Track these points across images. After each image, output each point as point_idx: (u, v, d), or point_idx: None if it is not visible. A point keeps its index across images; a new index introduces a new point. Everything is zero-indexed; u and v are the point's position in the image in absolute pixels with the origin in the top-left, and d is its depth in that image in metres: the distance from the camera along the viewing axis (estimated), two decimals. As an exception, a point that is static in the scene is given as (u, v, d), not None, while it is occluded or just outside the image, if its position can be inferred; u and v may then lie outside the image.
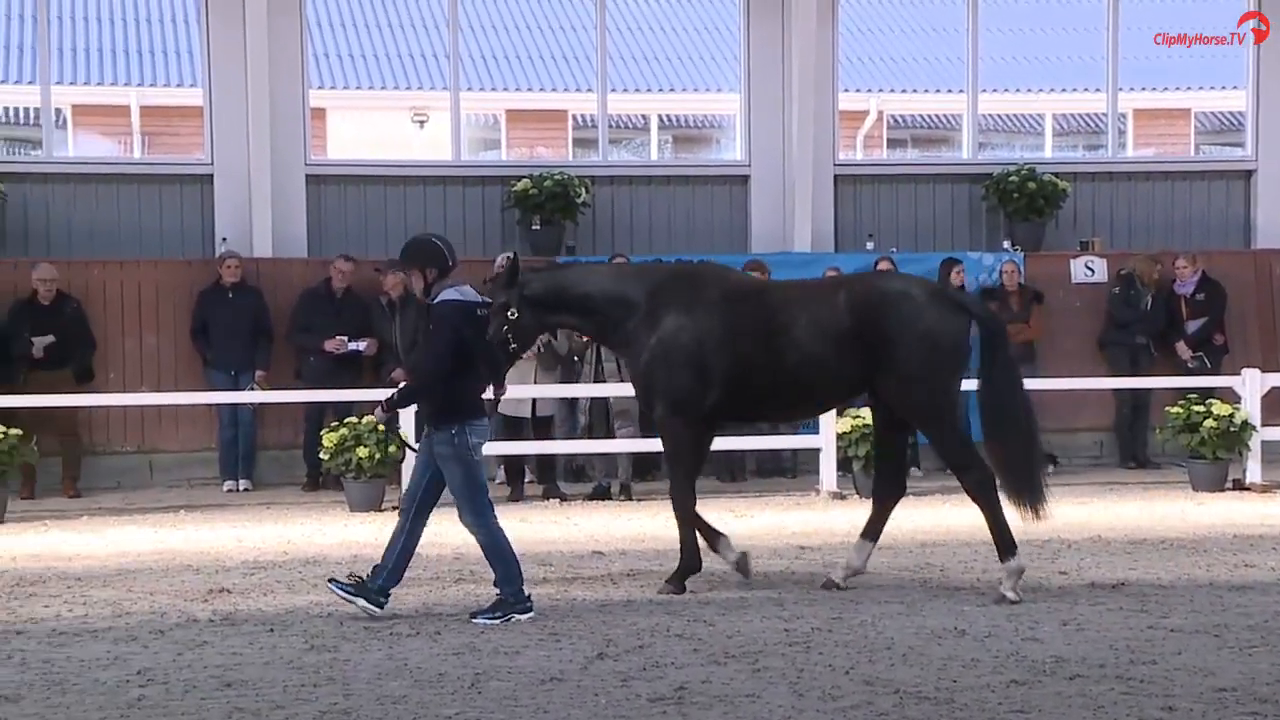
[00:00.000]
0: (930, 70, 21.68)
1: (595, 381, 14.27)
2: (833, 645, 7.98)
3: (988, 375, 9.48)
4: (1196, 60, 19.88)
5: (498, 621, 8.59)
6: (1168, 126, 22.24)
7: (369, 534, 11.91)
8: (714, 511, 12.81)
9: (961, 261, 16.23)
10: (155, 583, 10.09)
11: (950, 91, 19.56)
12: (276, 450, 15.86)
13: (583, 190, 16.68)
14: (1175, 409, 14.50)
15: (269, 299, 15.65)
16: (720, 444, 14.73)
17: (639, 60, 21.52)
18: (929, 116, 22.32)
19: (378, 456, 13.24)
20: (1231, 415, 14.19)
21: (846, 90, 18.46)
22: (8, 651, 8.05)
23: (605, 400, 14.46)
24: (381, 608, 8.72)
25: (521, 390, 14.39)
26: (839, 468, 14.28)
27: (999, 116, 21.59)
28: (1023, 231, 17.29)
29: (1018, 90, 21.66)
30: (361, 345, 15.16)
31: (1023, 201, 17.18)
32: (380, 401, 9.05)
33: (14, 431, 13.36)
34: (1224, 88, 20.45)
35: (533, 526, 12.48)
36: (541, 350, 14.03)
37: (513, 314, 9.43)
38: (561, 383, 14.58)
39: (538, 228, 16.56)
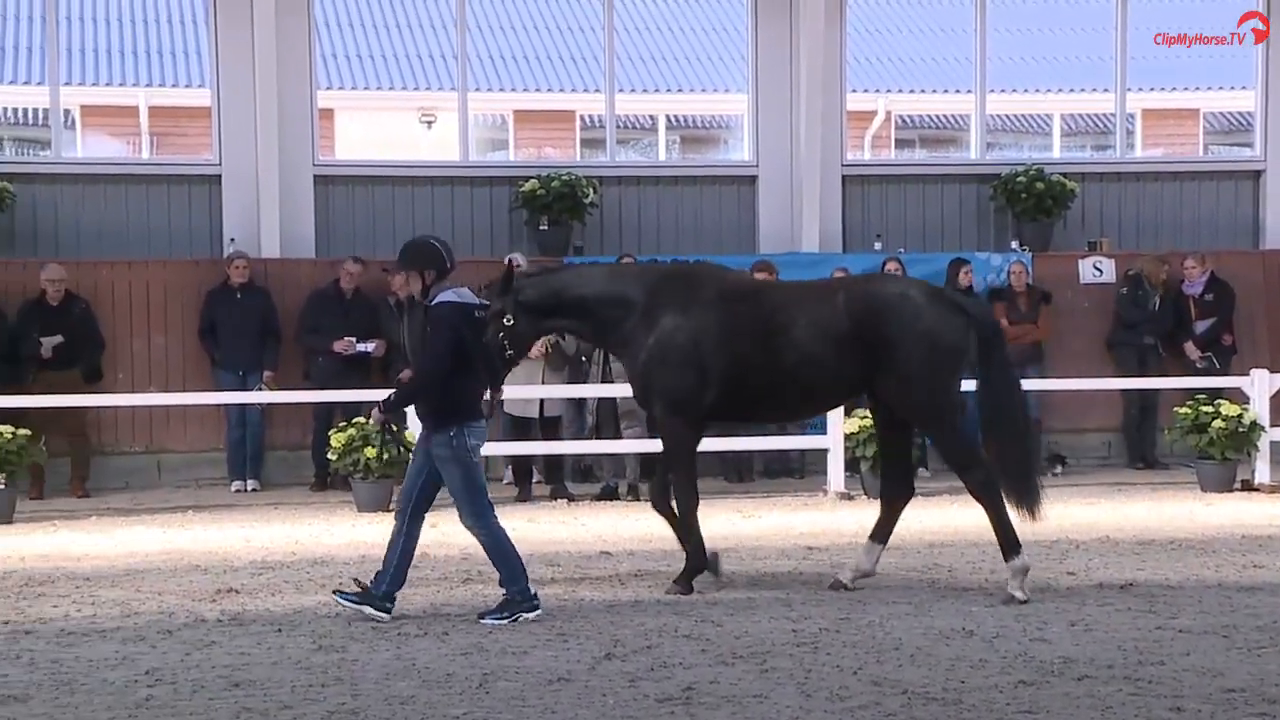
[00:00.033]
0: (938, 70, 21.67)
1: (603, 382, 14.27)
2: (840, 646, 7.98)
3: (985, 376, 9.50)
4: (1205, 60, 19.85)
5: (505, 621, 8.59)
6: (1176, 127, 22.21)
7: (377, 534, 11.88)
8: (722, 512, 12.87)
9: (969, 262, 16.22)
10: (163, 583, 10.11)
11: (958, 92, 19.54)
12: (284, 450, 15.88)
13: (590, 190, 16.68)
14: (1183, 409, 14.49)
15: (277, 299, 15.66)
16: (728, 444, 14.88)
17: (647, 60, 21.52)
18: (937, 117, 22.31)
19: (385, 457, 13.23)
20: (1240, 416, 14.17)
21: (854, 90, 18.45)
22: (16, 651, 8.07)
23: (613, 400, 14.46)
24: (388, 613, 8.72)
25: (529, 391, 14.41)
26: (847, 468, 14.27)
27: (1007, 117, 21.55)
28: (1031, 232, 17.27)
29: (1026, 90, 21.63)
30: (370, 346, 15.17)
31: (1031, 202, 17.16)
32: (378, 402, 9.06)
33: (23, 432, 13.39)
34: (1233, 88, 20.43)
35: (540, 527, 12.49)
36: (549, 351, 14.05)
37: (508, 320, 9.41)
38: (569, 383, 14.58)
39: (545, 228, 16.56)
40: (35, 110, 19.26)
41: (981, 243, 17.51)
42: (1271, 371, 14.82)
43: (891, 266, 15.59)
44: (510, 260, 9.78)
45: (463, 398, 8.74)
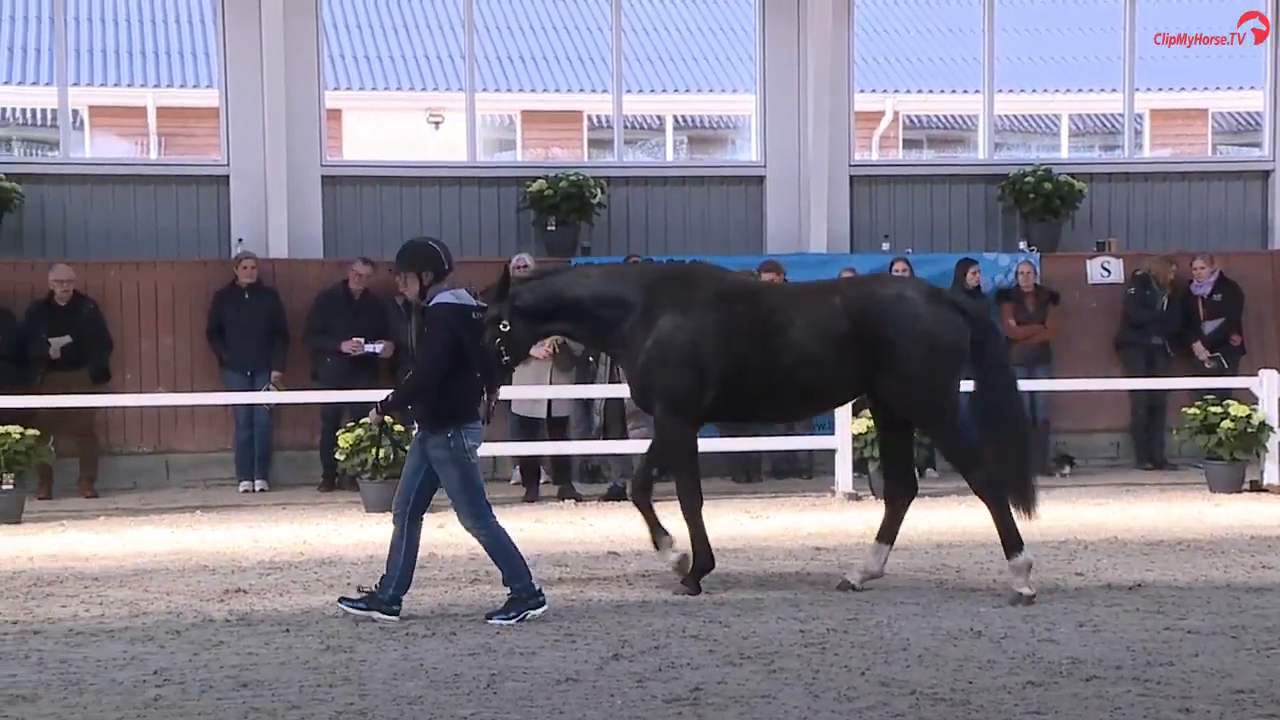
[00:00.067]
0: (946, 71, 21.66)
1: (610, 382, 14.26)
2: (848, 646, 7.98)
3: (981, 376, 9.50)
4: (1214, 60, 19.83)
5: (513, 621, 8.59)
6: (1185, 127, 22.19)
7: (385, 535, 11.82)
8: (729, 512, 12.88)
9: (977, 262, 16.21)
10: (172, 583, 10.12)
11: (966, 92, 19.54)
12: (292, 451, 15.88)
13: (598, 191, 16.68)
14: (1192, 410, 14.47)
15: (285, 299, 15.67)
16: (736, 445, 14.89)
17: (654, 61, 21.52)
18: (945, 117, 22.30)
19: (383, 455, 13.23)
20: (1249, 416, 14.15)
21: (862, 91, 18.43)
22: (25, 651, 8.08)
23: (620, 401, 14.45)
24: (396, 616, 8.73)
25: (537, 391, 14.42)
26: (854, 469, 14.26)
27: (1015, 117, 21.56)
28: (1039, 232, 17.25)
29: (1034, 91, 21.63)
30: (378, 347, 15.17)
31: (1039, 202, 17.14)
32: (376, 403, 9.06)
33: (31, 432, 13.40)
34: (1241, 88, 20.40)
35: (548, 527, 12.49)
36: (557, 351, 14.05)
37: (504, 326, 9.41)
38: (577, 383, 14.58)
39: (553, 228, 16.57)
40: (43, 111, 19.30)
41: (989, 243, 17.49)
42: (1280, 372, 14.81)
43: (899, 267, 15.58)
44: (506, 266, 9.74)
45: (460, 399, 8.74)
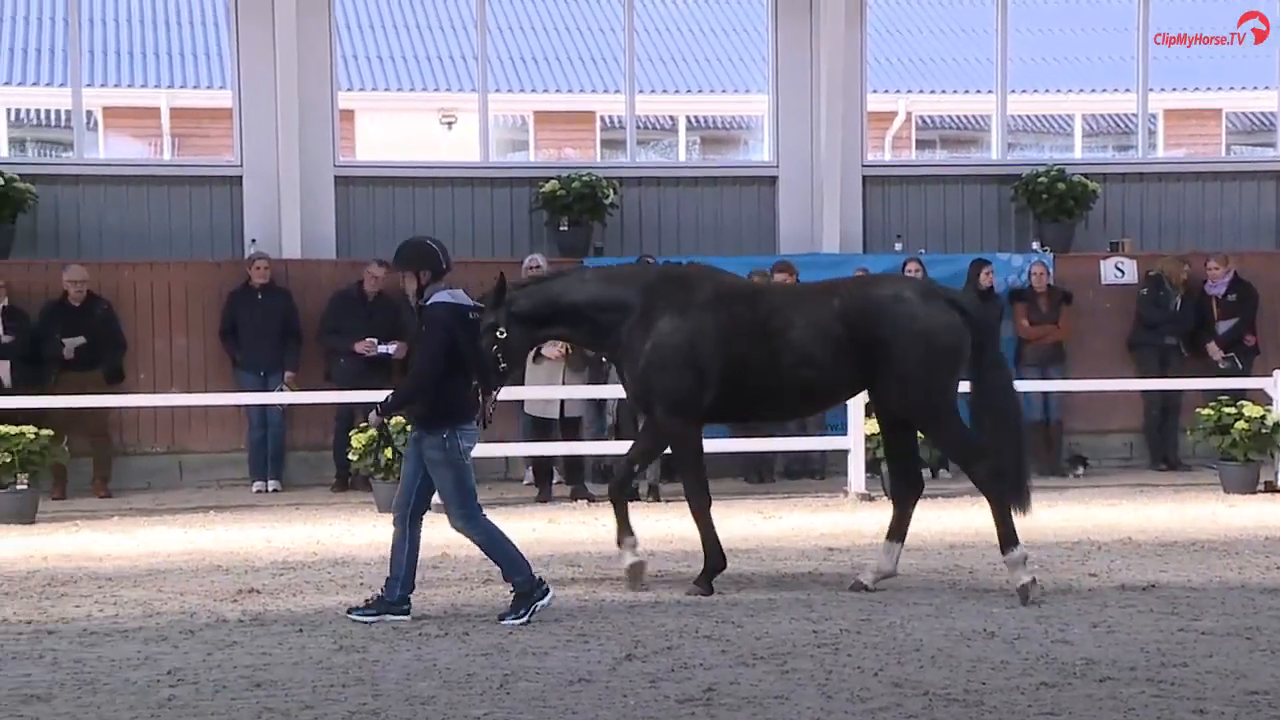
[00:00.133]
0: (959, 71, 21.65)
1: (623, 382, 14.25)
2: (861, 647, 7.97)
3: (978, 375, 9.49)
4: (1227, 60, 19.80)
5: (524, 617, 8.59)
6: (1198, 127, 22.16)
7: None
8: (742, 513, 12.87)
9: (990, 263, 16.18)
10: (185, 583, 10.13)
11: (979, 92, 19.52)
12: (305, 451, 15.91)
13: (610, 191, 16.68)
14: (1206, 410, 14.43)
15: (298, 300, 15.70)
16: (748, 445, 14.88)
17: (667, 61, 21.54)
18: (958, 117, 22.29)
19: (384, 457, 13.24)
20: (1263, 417, 14.11)
21: (875, 91, 18.44)
22: (39, 651, 8.10)
23: (633, 401, 14.45)
24: (407, 615, 8.74)
25: (550, 391, 14.42)
26: (867, 469, 14.24)
27: (1028, 117, 21.54)
28: (1052, 232, 17.22)
29: (1047, 91, 21.61)
30: (391, 348, 15.18)
31: (1052, 202, 17.11)
32: (376, 404, 9.06)
33: (45, 432, 13.43)
34: (1255, 88, 20.37)
35: (561, 527, 12.49)
36: (569, 352, 14.06)
37: (501, 333, 9.40)
38: (589, 384, 14.58)
39: (565, 229, 16.57)
40: (57, 112, 19.37)
41: (1003, 243, 17.47)
42: (1294, 372, 14.77)
43: (912, 267, 15.57)
44: (502, 274, 9.72)
45: (456, 400, 8.74)
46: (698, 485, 9.69)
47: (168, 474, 15.81)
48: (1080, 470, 15.94)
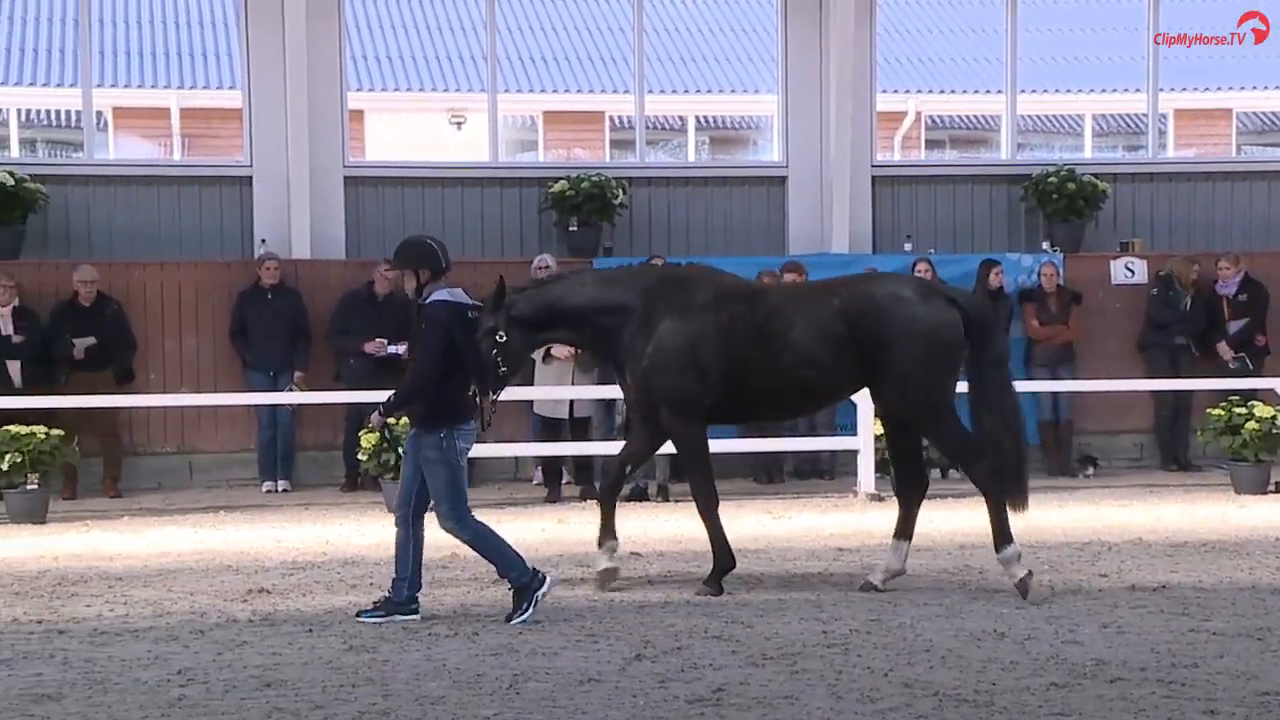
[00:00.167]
0: (969, 71, 21.63)
1: (632, 383, 14.25)
2: (871, 647, 7.96)
3: (978, 375, 9.48)
4: (1237, 60, 19.76)
5: (527, 610, 8.61)
6: (1209, 127, 22.11)
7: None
8: (752, 513, 12.87)
9: (1000, 263, 16.16)
10: (195, 583, 10.14)
11: (989, 92, 19.49)
12: (315, 451, 15.93)
13: (620, 191, 16.68)
14: (1216, 411, 14.41)
15: (307, 300, 15.71)
16: (758, 445, 14.88)
17: (676, 61, 21.53)
18: (967, 117, 22.26)
19: (387, 460, 13.24)
20: (1274, 417, 14.08)
21: (884, 91, 18.43)
22: (50, 650, 8.11)
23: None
24: (416, 614, 8.75)
25: (559, 392, 14.43)
26: (877, 469, 14.23)
27: (1038, 117, 21.50)
28: (1062, 233, 17.20)
29: (1057, 91, 21.57)
30: (401, 348, 15.17)
31: (1062, 202, 17.10)
32: (378, 405, 9.06)
33: (55, 432, 13.47)
34: (1265, 88, 20.33)
35: (570, 528, 12.50)
36: (579, 352, 14.05)
37: (501, 337, 9.40)
38: (599, 384, 14.58)
39: (575, 229, 16.58)
40: (68, 112, 19.41)
41: (1012, 243, 17.45)
42: (1305, 372, 14.75)
43: (921, 268, 15.55)
44: (501, 278, 9.72)
45: (455, 399, 8.75)
46: (705, 485, 9.70)
47: (178, 474, 15.83)
48: (1090, 470, 15.92)
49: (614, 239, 16.83)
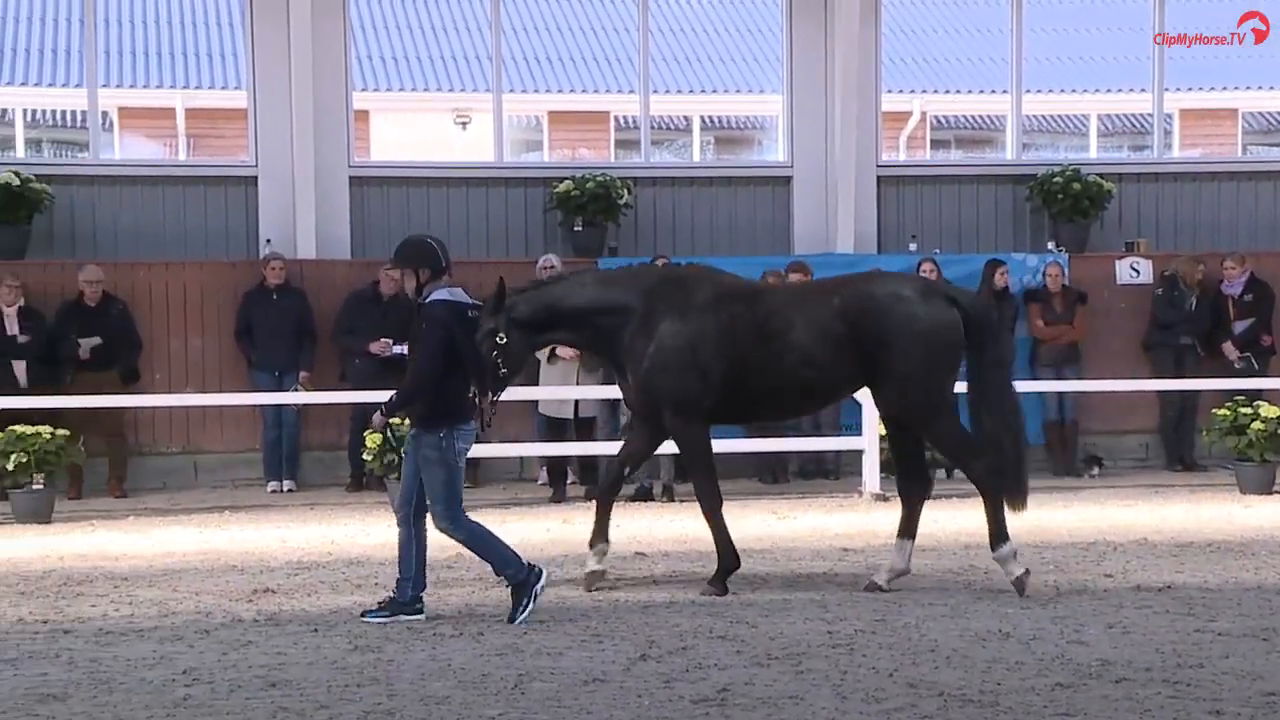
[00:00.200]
0: (974, 71, 21.63)
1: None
2: (876, 647, 7.96)
3: (977, 375, 9.48)
4: (1242, 60, 19.75)
5: (529, 609, 8.62)
6: (1214, 127, 22.11)
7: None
8: (756, 513, 12.86)
9: (1005, 263, 16.15)
10: (200, 583, 10.15)
11: (994, 92, 19.50)
12: (320, 451, 15.93)
13: (625, 191, 16.68)
14: (1222, 411, 14.40)
15: (312, 300, 15.72)
16: (762, 445, 14.87)
17: (681, 61, 21.54)
18: (972, 117, 22.26)
19: (389, 460, 13.23)
20: (1279, 417, 14.06)
21: (889, 91, 18.41)
22: (55, 650, 8.12)
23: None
24: (421, 614, 8.76)
25: (564, 392, 14.43)
26: (882, 469, 14.21)
27: (1043, 117, 21.50)
28: (1067, 233, 17.19)
29: (1062, 91, 21.57)
30: (406, 349, 15.19)
31: (1067, 202, 17.08)
32: (380, 405, 9.06)
33: (61, 432, 13.48)
34: (1271, 88, 20.30)
35: (575, 528, 12.48)
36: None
37: (501, 339, 9.40)
38: (604, 384, 14.58)
39: (580, 229, 16.57)
40: (73, 112, 19.44)
41: (1018, 243, 17.44)
42: (1311, 373, 14.73)
43: (926, 268, 15.55)
44: (501, 279, 9.72)
45: (455, 399, 8.75)
46: (708, 486, 9.70)
47: (183, 474, 15.84)
48: (1096, 470, 15.91)
49: (619, 239, 16.83)
